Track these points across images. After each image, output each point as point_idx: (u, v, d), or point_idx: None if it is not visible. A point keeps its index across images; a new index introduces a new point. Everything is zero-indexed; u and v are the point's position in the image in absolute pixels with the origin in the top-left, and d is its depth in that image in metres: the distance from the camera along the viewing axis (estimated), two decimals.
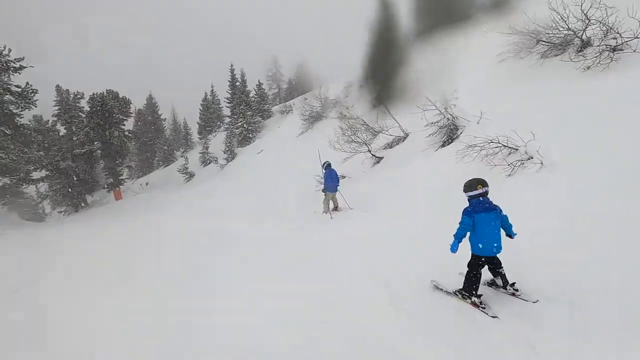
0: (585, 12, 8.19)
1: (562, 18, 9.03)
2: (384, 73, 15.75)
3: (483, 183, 3.88)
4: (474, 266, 3.97)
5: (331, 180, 9.30)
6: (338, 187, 9.38)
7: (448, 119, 8.95)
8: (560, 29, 8.98)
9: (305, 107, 24.31)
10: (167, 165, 39.62)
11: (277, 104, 41.59)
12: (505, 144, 6.20)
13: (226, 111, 39.35)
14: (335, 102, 23.42)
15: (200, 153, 30.64)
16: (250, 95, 34.49)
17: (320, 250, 6.27)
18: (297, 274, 5.36)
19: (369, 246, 5.92)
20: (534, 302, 3.57)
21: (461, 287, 4.09)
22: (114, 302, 5.38)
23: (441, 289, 4.25)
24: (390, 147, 11.66)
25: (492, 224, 3.80)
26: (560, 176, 5.11)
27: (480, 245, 3.85)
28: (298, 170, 15.69)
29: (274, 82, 49.44)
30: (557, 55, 9.61)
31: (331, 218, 8.79)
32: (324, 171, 9.50)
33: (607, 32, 8.03)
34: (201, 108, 41.79)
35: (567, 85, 7.68)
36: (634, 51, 7.11)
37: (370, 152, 11.41)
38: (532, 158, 5.78)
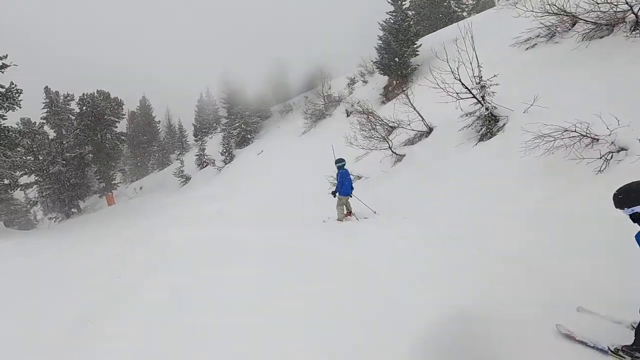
0: None
1: None
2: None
3: None
4: None
5: (347, 181, 8.09)
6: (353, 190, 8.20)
7: (487, 108, 7.77)
8: (612, 3, 7.87)
9: (308, 105, 23.14)
10: (162, 169, 38.18)
11: (275, 104, 40.31)
12: (585, 133, 5.01)
13: (222, 112, 38.03)
14: (339, 99, 22.28)
15: (196, 155, 29.28)
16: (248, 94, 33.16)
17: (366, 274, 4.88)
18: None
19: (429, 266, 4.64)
20: None
21: (631, 344, 2.76)
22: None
23: (575, 338, 2.94)
24: (412, 144, 10.48)
25: None
26: None
27: None
28: (305, 170, 14.47)
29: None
30: (601, 38, 8.52)
31: (357, 220, 7.62)
32: (338, 171, 8.28)
33: None
34: (196, 109, 40.38)
35: (634, 63, 6.54)
36: None
37: (390, 148, 10.21)
38: (623, 149, 4.60)
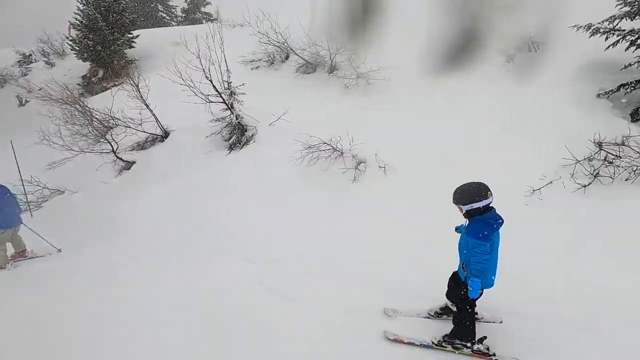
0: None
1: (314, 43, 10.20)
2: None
3: (488, 187, 2.81)
4: (473, 302, 2.93)
5: (6, 206, 5.29)
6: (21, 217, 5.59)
7: (237, 116, 7.48)
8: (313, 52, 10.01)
9: None
10: None
11: None
12: (336, 147, 5.70)
13: None
14: (3, 79, 15.15)
15: None
16: None
17: None
18: None
19: None
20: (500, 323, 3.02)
21: (448, 334, 3.00)
22: None
23: (403, 341, 2.99)
24: (143, 149, 8.49)
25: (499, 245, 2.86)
26: (406, 178, 5.17)
27: (493, 277, 2.85)
28: None
29: None
30: (309, 73, 10.63)
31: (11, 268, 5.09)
32: None
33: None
34: None
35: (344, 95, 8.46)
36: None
37: (115, 152, 7.71)
38: (362, 162, 5.60)
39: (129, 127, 8.01)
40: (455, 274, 3.18)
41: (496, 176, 3.76)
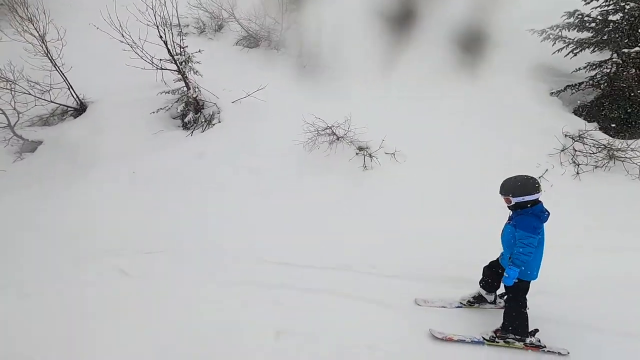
0: None
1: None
2: None
3: (538, 181, 2.84)
4: (524, 295, 2.89)
5: None
6: None
7: (196, 88, 6.12)
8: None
9: None
10: None
11: None
12: (337, 134, 5.08)
13: None
14: None
15: None
16: None
17: None
18: None
19: None
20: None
21: (499, 328, 2.94)
22: None
23: (452, 339, 2.93)
24: (48, 124, 6.29)
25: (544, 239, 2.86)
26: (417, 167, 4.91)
27: (537, 271, 2.85)
28: None
29: None
30: (251, 47, 9.50)
31: None
32: None
33: None
34: None
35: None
36: None
37: (12, 128, 5.44)
38: (363, 148, 5.15)
39: (29, 93, 5.75)
40: (493, 264, 3.17)
41: (494, 167, 3.91)
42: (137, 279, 3.42)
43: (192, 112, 6.23)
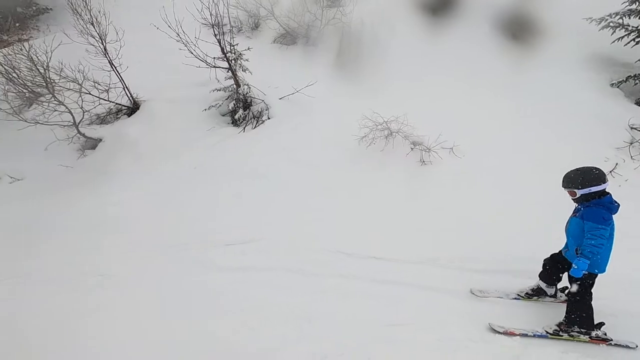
0: None
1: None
2: None
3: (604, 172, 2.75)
4: (590, 288, 2.81)
5: None
6: None
7: (247, 86, 6.23)
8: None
9: None
10: None
11: None
12: (389, 128, 5.04)
13: None
14: None
15: None
16: None
17: None
18: None
19: None
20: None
21: (563, 322, 2.89)
22: None
23: (514, 333, 2.89)
24: (105, 123, 6.57)
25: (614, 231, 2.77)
26: (478, 161, 4.81)
27: (606, 264, 2.77)
28: None
29: None
30: (287, 45, 9.52)
31: None
32: None
33: None
34: None
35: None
36: None
37: (76, 126, 5.72)
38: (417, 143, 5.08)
39: (90, 93, 6.01)
40: (554, 257, 3.08)
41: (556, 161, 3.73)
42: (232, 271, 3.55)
43: (242, 109, 6.33)
